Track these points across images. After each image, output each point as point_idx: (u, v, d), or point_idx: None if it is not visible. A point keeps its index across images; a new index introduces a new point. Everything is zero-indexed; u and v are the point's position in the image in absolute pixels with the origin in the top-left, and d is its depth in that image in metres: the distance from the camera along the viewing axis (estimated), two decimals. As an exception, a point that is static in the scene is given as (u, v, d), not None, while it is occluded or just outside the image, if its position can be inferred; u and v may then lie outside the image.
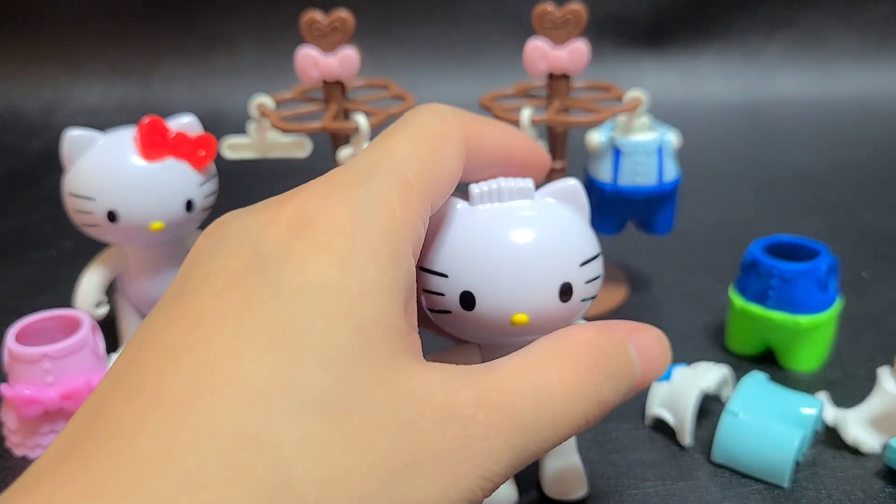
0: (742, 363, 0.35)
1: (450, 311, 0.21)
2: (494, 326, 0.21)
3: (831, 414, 0.30)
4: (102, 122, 0.42)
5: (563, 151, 0.39)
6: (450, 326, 0.22)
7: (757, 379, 0.30)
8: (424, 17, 0.76)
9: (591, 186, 0.38)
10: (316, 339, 0.15)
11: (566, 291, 0.20)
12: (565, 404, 0.17)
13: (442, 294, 0.21)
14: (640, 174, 0.37)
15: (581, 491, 0.27)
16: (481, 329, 0.21)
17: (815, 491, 0.27)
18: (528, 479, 0.28)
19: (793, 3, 0.75)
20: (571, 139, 0.39)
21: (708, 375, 0.30)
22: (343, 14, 0.35)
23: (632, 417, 0.31)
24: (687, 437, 0.29)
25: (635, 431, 0.31)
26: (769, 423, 0.27)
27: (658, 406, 0.30)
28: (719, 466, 0.28)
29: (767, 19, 0.75)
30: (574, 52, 0.36)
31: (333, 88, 0.37)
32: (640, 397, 0.32)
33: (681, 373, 0.31)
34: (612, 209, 0.38)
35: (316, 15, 0.35)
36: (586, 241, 0.21)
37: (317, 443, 0.14)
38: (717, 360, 0.34)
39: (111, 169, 0.31)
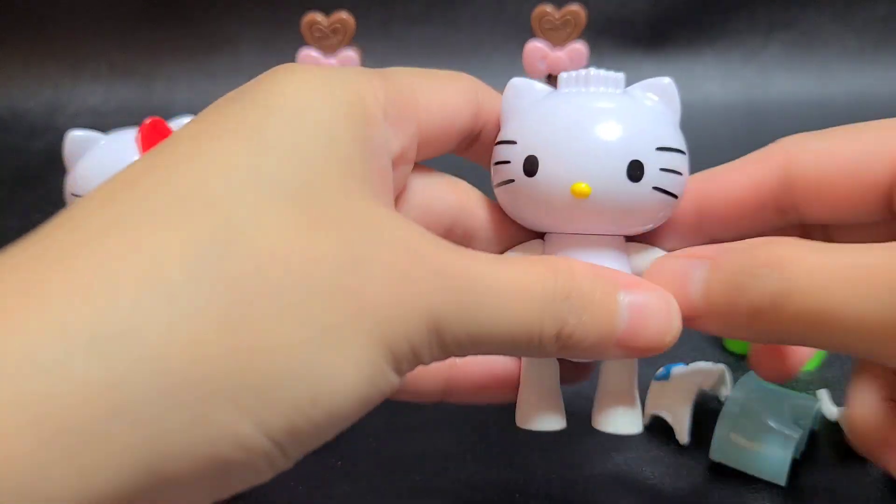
0: (740, 362, 0.35)
1: (513, 180, 0.20)
2: (555, 199, 0.19)
3: (835, 409, 0.30)
4: (104, 122, 0.42)
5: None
6: (512, 204, 0.21)
7: (755, 378, 0.30)
8: (424, 18, 0.76)
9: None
10: (284, 141, 0.16)
11: (636, 169, 0.19)
12: (513, 300, 0.17)
13: (508, 161, 0.20)
14: (638, 175, 0.37)
15: (631, 427, 0.23)
16: (542, 203, 0.20)
17: (812, 489, 0.27)
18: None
19: (791, 5, 0.75)
20: (570, 140, 0.40)
21: (706, 374, 0.30)
22: (343, 16, 0.35)
23: (630, 416, 0.31)
24: (685, 435, 0.29)
25: (634, 430, 0.31)
26: (767, 421, 0.28)
27: (656, 405, 0.30)
28: (717, 465, 0.29)
29: (766, 21, 0.76)
30: (573, 54, 0.36)
31: (334, 89, 0.37)
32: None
33: (679, 372, 0.31)
34: (611, 209, 0.39)
35: (317, 16, 0.35)
36: (668, 131, 0.20)
37: (271, 216, 0.15)
38: (716, 360, 0.34)
39: (113, 170, 0.30)
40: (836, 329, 0.17)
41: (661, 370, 0.31)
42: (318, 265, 0.15)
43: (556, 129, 0.20)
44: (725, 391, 0.32)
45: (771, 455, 0.27)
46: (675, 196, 0.20)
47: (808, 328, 0.17)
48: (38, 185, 0.62)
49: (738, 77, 0.76)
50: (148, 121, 0.32)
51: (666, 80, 0.21)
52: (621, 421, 0.23)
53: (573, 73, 0.21)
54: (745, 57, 0.76)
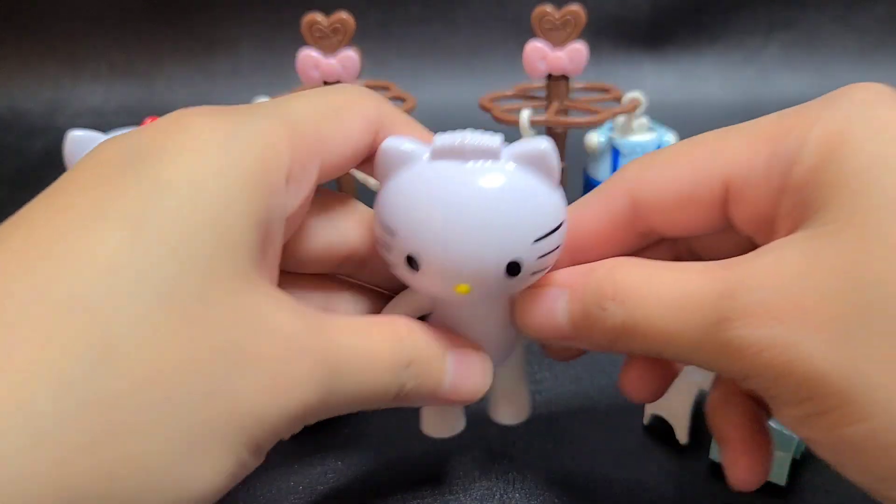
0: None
1: (398, 266, 0.21)
2: (439, 292, 0.21)
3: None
4: (105, 122, 0.43)
5: (563, 152, 0.40)
6: (402, 279, 0.22)
7: (754, 378, 0.30)
8: (424, 18, 0.76)
9: (590, 187, 0.39)
10: (170, 230, 0.16)
11: (513, 268, 0.20)
12: (368, 370, 0.19)
13: (390, 250, 0.20)
14: (638, 175, 0.37)
15: (516, 419, 0.26)
16: (428, 290, 0.21)
17: (812, 488, 0.27)
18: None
19: (791, 5, 0.75)
20: (570, 140, 0.40)
21: (706, 374, 0.30)
22: (343, 16, 0.36)
23: (630, 416, 0.32)
24: (685, 435, 0.29)
25: (633, 429, 0.31)
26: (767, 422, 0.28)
27: (656, 405, 0.30)
28: (717, 465, 0.29)
29: (766, 20, 0.76)
30: (573, 54, 0.36)
31: (334, 89, 0.37)
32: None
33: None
34: (611, 209, 0.39)
35: (317, 17, 0.35)
36: (545, 214, 0.20)
37: (150, 324, 0.15)
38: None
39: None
40: (673, 347, 0.19)
41: (661, 370, 0.32)
42: (192, 374, 0.15)
43: (432, 229, 0.19)
44: (725, 391, 0.32)
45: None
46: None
47: (655, 347, 0.19)
48: (38, 185, 0.62)
49: (738, 77, 0.76)
50: (148, 121, 0.32)
51: (542, 146, 0.20)
52: (509, 414, 0.26)
53: (447, 140, 0.20)
54: (745, 57, 0.76)
